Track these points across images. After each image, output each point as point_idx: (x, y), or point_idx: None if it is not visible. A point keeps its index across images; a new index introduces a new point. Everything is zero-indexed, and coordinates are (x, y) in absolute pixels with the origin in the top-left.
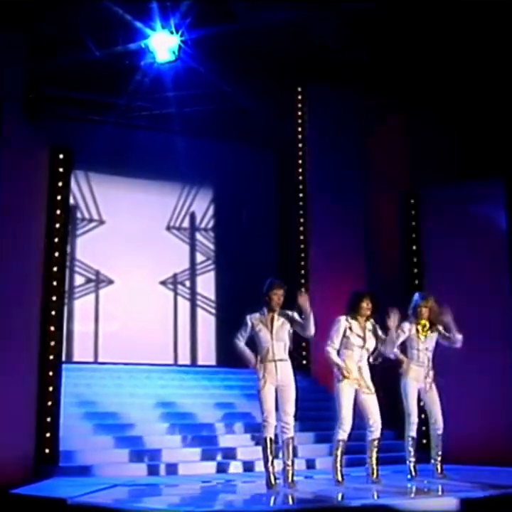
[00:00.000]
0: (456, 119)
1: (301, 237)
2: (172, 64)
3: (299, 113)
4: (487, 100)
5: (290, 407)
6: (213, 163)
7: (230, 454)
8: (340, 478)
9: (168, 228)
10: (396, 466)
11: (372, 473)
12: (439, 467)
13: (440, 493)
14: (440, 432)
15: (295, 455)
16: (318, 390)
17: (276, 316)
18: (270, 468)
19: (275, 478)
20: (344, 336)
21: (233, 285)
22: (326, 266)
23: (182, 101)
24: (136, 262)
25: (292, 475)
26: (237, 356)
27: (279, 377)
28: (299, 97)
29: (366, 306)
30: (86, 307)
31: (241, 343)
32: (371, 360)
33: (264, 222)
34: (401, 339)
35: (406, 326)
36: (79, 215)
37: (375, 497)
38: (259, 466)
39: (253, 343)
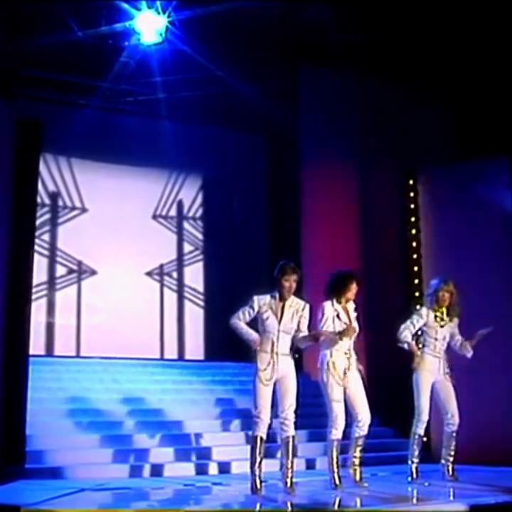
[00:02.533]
0: (455, 98)
1: (295, 227)
2: (159, 46)
3: (292, 97)
4: (487, 77)
5: (290, 401)
6: (202, 148)
7: (213, 453)
8: (337, 482)
9: (155, 217)
10: (394, 466)
11: (356, 475)
12: (450, 468)
13: (450, 497)
14: (455, 428)
15: (295, 455)
16: (311, 385)
17: (287, 305)
18: (256, 471)
19: (261, 482)
20: (330, 325)
21: (223, 276)
22: (320, 255)
23: (169, 85)
24: (121, 252)
25: (292, 478)
26: (227, 350)
27: (280, 368)
28: (292, 81)
29: (354, 288)
30: (68, 299)
31: (241, 322)
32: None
33: (255, 211)
34: (418, 325)
35: (423, 311)
36: (60, 202)
37: (358, 504)
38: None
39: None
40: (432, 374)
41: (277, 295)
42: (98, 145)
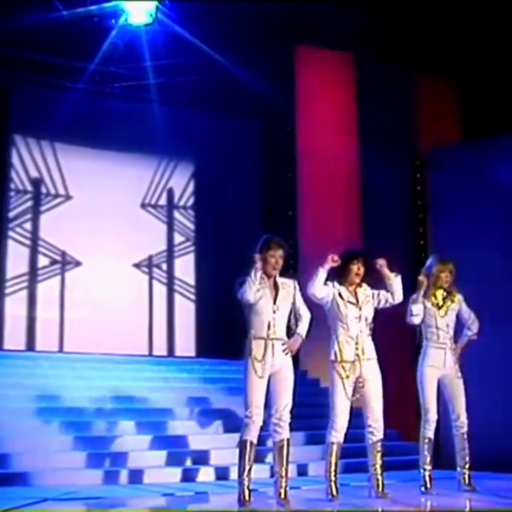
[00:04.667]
0: (460, 77)
1: (291, 217)
2: (149, 27)
3: (289, 80)
4: (492, 56)
5: (286, 399)
6: (194, 134)
7: (202, 458)
8: (334, 492)
9: (143, 205)
10: (402, 472)
11: (377, 486)
12: (466, 477)
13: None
14: (464, 430)
15: (288, 461)
16: (307, 383)
17: (278, 281)
18: (245, 481)
19: (250, 492)
20: (333, 306)
21: (215, 269)
22: (318, 246)
23: (160, 68)
24: (107, 242)
25: (286, 488)
26: (219, 346)
27: (276, 358)
28: (289, 63)
29: (357, 269)
30: (50, 292)
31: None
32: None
33: (250, 200)
34: (416, 309)
35: (420, 297)
36: (43, 189)
37: None
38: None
39: (243, 316)
40: (436, 368)
41: (266, 277)
42: (84, 129)
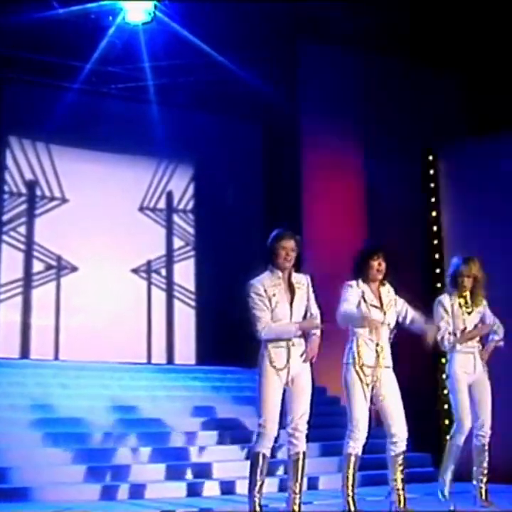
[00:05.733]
0: (467, 72)
1: (295, 221)
2: (147, 26)
3: (291, 78)
4: (499, 49)
5: (303, 407)
6: (194, 136)
7: (206, 471)
8: (352, 508)
9: (142, 209)
10: (418, 485)
11: (399, 501)
12: (483, 491)
13: None
14: (486, 441)
15: (303, 476)
16: (327, 401)
17: (294, 280)
18: (256, 497)
19: (261, 509)
20: (356, 308)
21: (215, 274)
22: (323, 249)
23: (159, 68)
24: (104, 246)
25: (300, 505)
26: (220, 354)
27: (293, 365)
28: (291, 60)
29: (378, 265)
30: (45, 298)
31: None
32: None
33: (251, 203)
34: (449, 318)
35: (446, 300)
36: (38, 192)
37: None
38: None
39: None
40: (467, 374)
41: (277, 271)
42: (80, 130)
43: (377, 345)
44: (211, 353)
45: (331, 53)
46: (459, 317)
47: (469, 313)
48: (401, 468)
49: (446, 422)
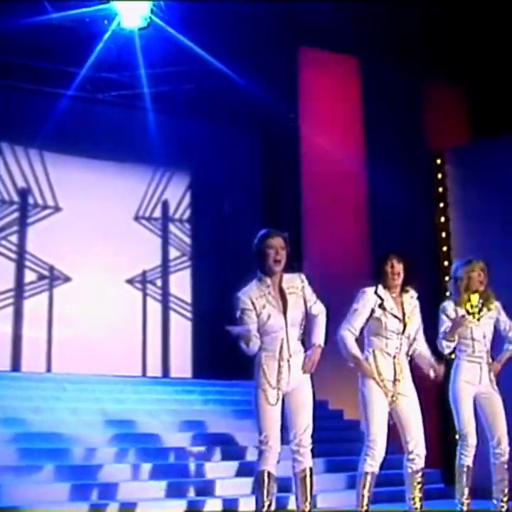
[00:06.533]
0: (469, 77)
1: (295, 232)
2: (143, 32)
3: (291, 86)
4: (501, 53)
5: (306, 421)
6: (190, 144)
7: (206, 488)
8: None
9: (137, 218)
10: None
11: None
12: (504, 510)
13: None
14: (505, 459)
15: (312, 493)
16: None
17: (285, 285)
18: None
19: None
20: (372, 316)
21: (212, 285)
22: (323, 263)
23: (155, 74)
24: (99, 256)
25: None
26: (217, 367)
27: (292, 377)
28: (291, 68)
29: (391, 269)
30: (38, 309)
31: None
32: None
33: (249, 213)
34: (446, 326)
35: (449, 307)
36: (31, 200)
37: None
38: (245, 505)
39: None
40: (471, 385)
41: (267, 279)
42: (75, 137)
43: (394, 357)
44: (208, 366)
45: (331, 61)
46: (466, 326)
47: (478, 319)
48: (419, 486)
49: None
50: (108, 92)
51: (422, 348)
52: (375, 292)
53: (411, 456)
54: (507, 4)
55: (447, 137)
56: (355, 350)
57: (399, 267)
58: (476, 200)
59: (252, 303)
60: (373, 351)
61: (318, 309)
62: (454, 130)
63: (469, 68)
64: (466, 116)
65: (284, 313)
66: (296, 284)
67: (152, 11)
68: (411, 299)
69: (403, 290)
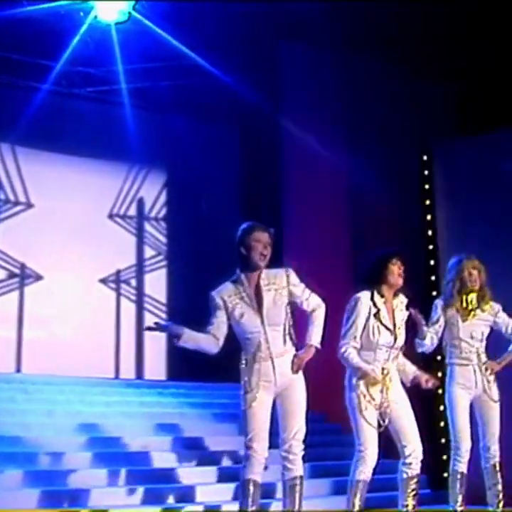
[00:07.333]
0: (456, 73)
1: (275, 231)
2: (120, 26)
3: (272, 81)
4: (487, 50)
5: (297, 424)
6: (167, 141)
7: (185, 494)
8: None
9: (111, 216)
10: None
11: None
12: None
13: None
14: (495, 461)
15: (301, 503)
16: (326, 431)
17: (263, 282)
18: None
19: None
20: (365, 326)
21: (188, 285)
22: (304, 262)
23: (132, 70)
24: (71, 254)
25: None
26: (192, 368)
27: (278, 376)
28: (272, 62)
29: (398, 270)
30: (7, 308)
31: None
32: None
33: (228, 211)
34: (439, 326)
35: (439, 306)
36: (2, 196)
37: None
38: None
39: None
40: (467, 389)
41: (242, 276)
42: (48, 133)
43: (382, 368)
44: (183, 368)
45: (313, 55)
46: (456, 323)
47: (471, 317)
48: (413, 492)
49: (443, 440)
50: (84, 87)
51: (401, 361)
52: (371, 299)
53: (408, 461)
54: (492, 1)
55: (433, 134)
56: (359, 362)
57: (403, 268)
58: (464, 198)
59: (224, 301)
60: (361, 356)
61: (313, 304)
62: (439, 127)
63: (455, 64)
64: (452, 113)
65: (260, 311)
66: (278, 280)
67: (133, 8)
68: (401, 305)
69: (394, 294)
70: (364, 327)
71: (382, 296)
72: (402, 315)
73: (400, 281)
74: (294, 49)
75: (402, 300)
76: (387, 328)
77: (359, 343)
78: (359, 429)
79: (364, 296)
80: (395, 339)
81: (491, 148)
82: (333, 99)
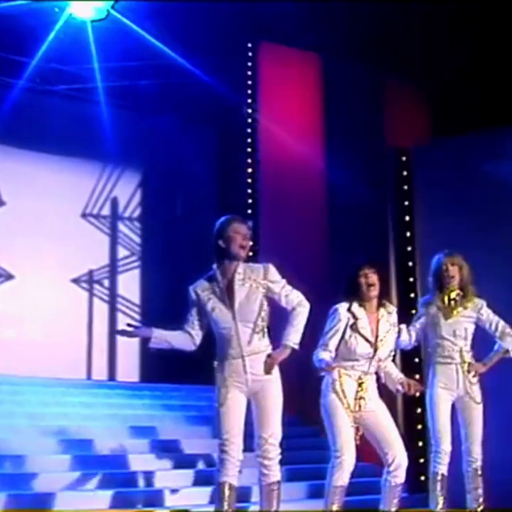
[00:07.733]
0: (430, 74)
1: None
2: (96, 23)
3: (249, 82)
4: (461, 52)
5: (272, 426)
6: (142, 140)
7: (156, 498)
8: None
9: (84, 215)
10: None
11: None
12: None
13: None
14: (477, 465)
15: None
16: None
17: (237, 279)
18: None
19: None
20: (342, 337)
21: (162, 286)
22: (279, 264)
23: (108, 68)
24: (43, 254)
25: None
26: (166, 370)
27: (250, 379)
28: (250, 64)
29: (365, 280)
30: None
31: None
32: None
33: (203, 212)
34: (419, 324)
35: (422, 304)
36: None
37: None
38: None
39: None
40: (448, 390)
41: (218, 271)
42: (20, 130)
43: (359, 378)
44: (156, 370)
45: (292, 57)
46: (437, 322)
47: (453, 314)
48: (396, 500)
49: (420, 443)
50: (58, 84)
51: (389, 367)
52: (349, 309)
53: (391, 468)
54: (467, 3)
55: (409, 135)
56: (324, 356)
57: (374, 278)
58: (442, 199)
59: (197, 296)
60: (339, 371)
61: (293, 302)
62: (415, 128)
63: (433, 64)
64: (427, 114)
65: (232, 306)
66: (255, 275)
67: (112, 7)
68: (388, 316)
69: (380, 304)
70: (342, 338)
71: (362, 306)
72: (387, 326)
73: (372, 292)
74: (272, 50)
75: (389, 310)
76: (367, 340)
77: (333, 352)
78: (336, 434)
79: (341, 307)
80: (375, 350)
81: (470, 149)
82: (310, 98)
